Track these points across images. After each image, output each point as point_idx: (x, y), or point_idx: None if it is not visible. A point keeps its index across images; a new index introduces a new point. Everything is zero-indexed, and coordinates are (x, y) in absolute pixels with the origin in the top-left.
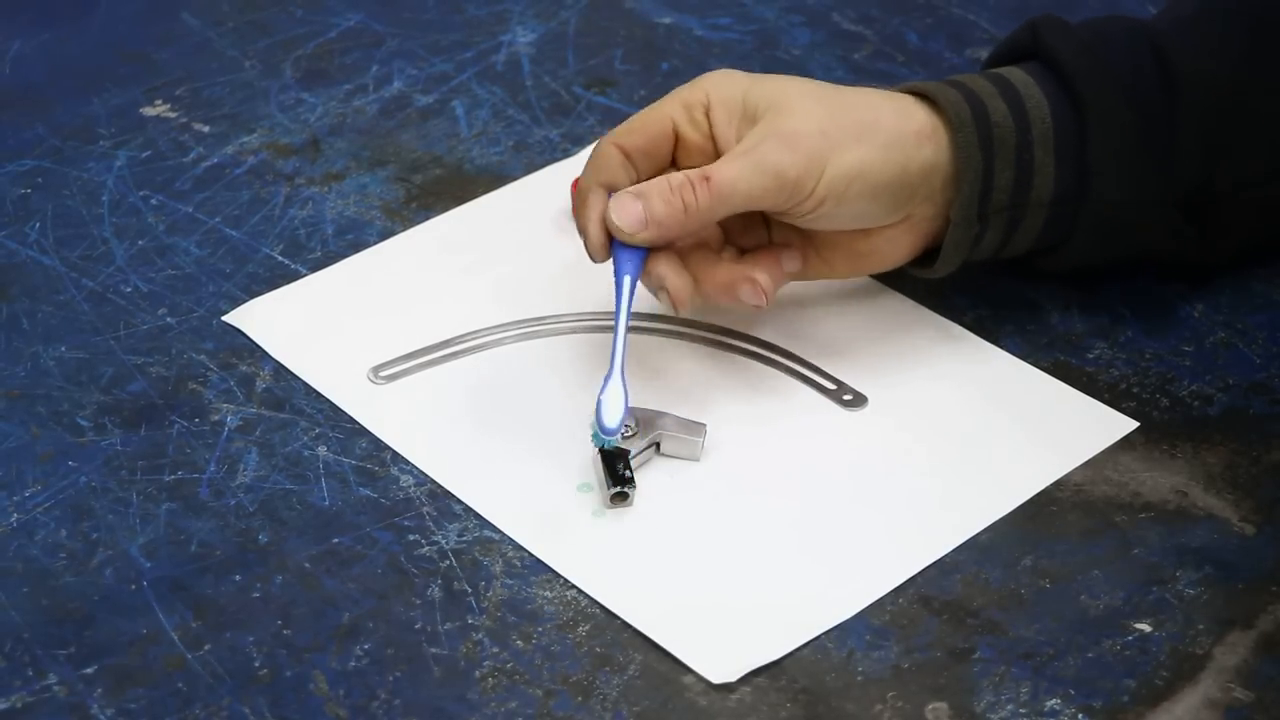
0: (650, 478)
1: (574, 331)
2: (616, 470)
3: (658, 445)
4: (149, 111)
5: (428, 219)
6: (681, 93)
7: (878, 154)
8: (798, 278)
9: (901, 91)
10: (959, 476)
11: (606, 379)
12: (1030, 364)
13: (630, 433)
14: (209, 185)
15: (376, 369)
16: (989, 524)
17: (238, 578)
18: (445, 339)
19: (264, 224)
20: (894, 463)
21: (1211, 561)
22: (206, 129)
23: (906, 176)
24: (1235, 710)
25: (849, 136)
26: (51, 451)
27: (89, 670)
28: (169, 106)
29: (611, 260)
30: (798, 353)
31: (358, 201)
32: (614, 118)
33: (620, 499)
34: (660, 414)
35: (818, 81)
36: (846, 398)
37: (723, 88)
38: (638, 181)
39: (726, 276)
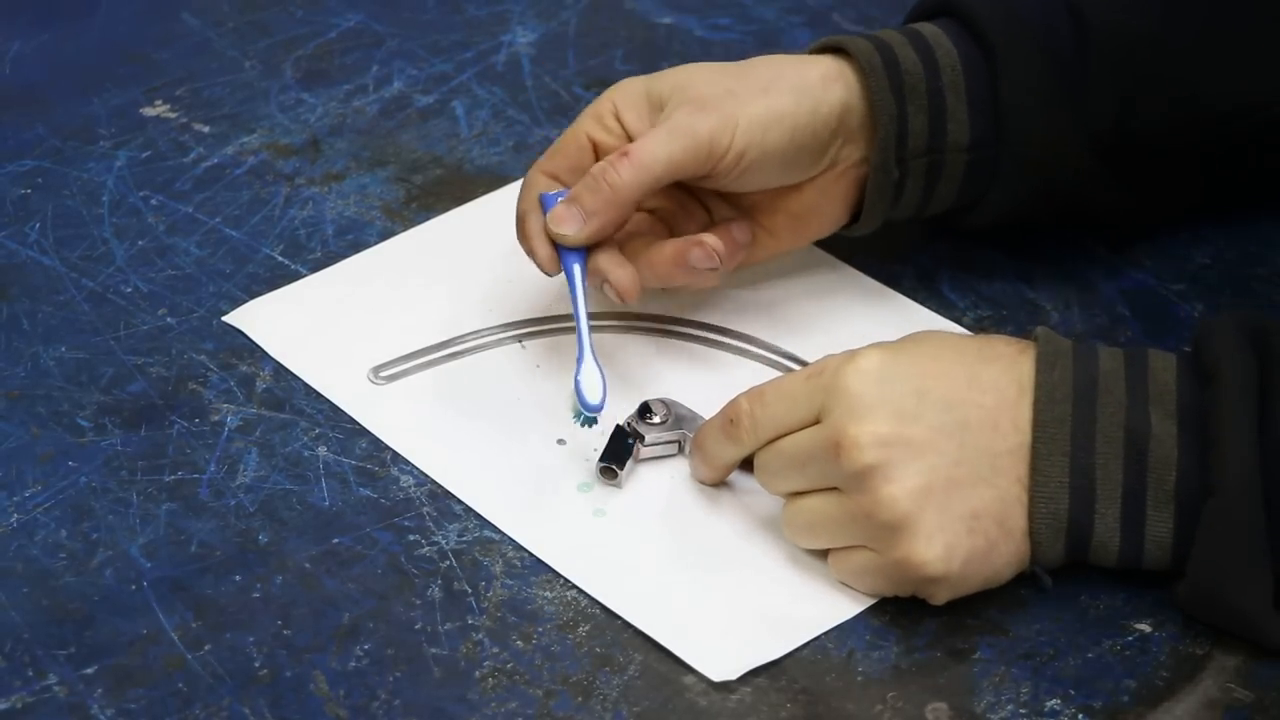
0: (651, 478)
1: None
2: (616, 446)
3: (681, 445)
4: (149, 111)
5: (428, 219)
6: (590, 109)
7: (787, 99)
8: (748, 259)
9: (810, 51)
10: None
11: (579, 362)
12: None
13: (659, 420)
14: (209, 185)
15: (376, 369)
16: None
17: (238, 578)
18: (445, 339)
19: (264, 224)
20: None
21: None
22: (206, 129)
23: (819, 118)
24: (1235, 710)
25: (755, 90)
26: (52, 452)
27: (89, 670)
28: (169, 107)
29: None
30: (799, 354)
31: (358, 202)
32: None
33: (608, 474)
34: (697, 417)
35: (718, 62)
36: None
37: (625, 91)
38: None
39: (672, 250)
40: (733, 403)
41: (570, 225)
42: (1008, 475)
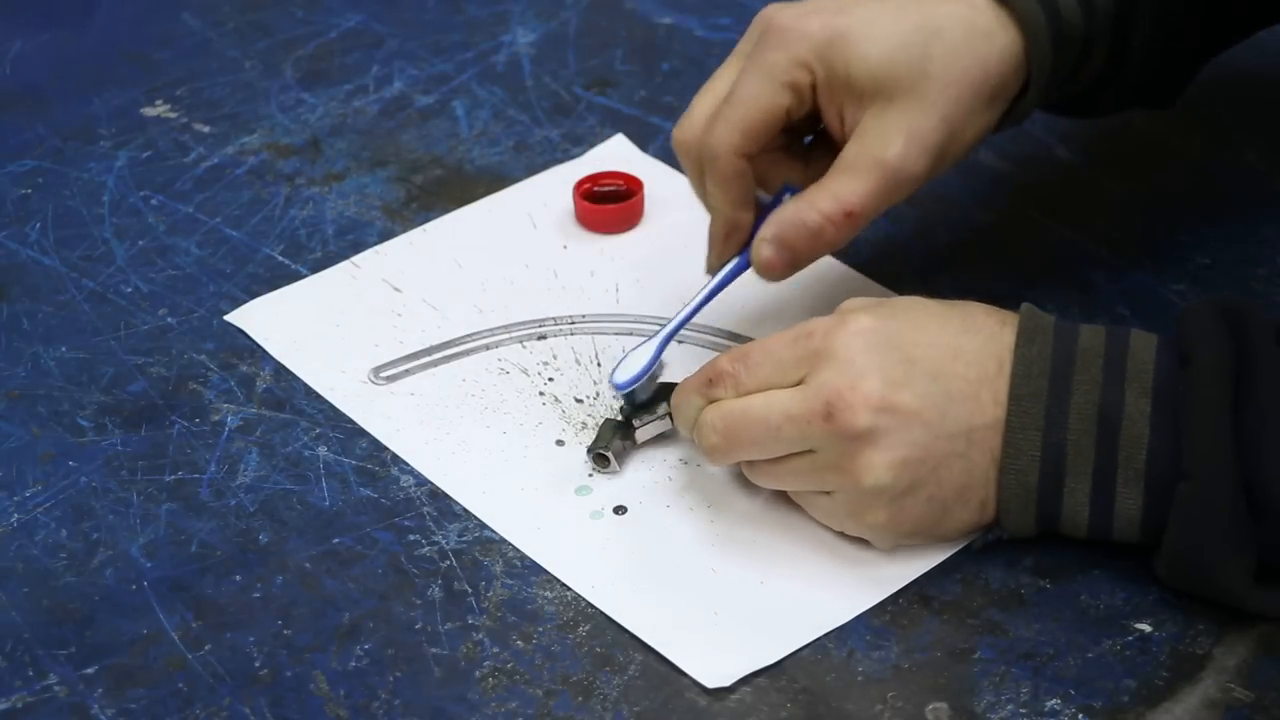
0: (649, 480)
1: (574, 333)
2: (607, 433)
3: (671, 416)
4: (149, 111)
5: (428, 219)
6: (777, 70)
7: (986, 112)
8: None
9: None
10: None
11: (642, 344)
12: None
13: (646, 398)
14: (209, 185)
15: (377, 370)
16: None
17: (238, 578)
18: (445, 340)
19: (264, 224)
20: None
21: None
22: (207, 129)
23: (1000, 100)
24: (1235, 710)
25: (965, 112)
26: (52, 451)
27: (89, 670)
28: (169, 107)
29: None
30: None
31: (358, 202)
32: (614, 118)
33: (600, 462)
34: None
35: (917, 43)
36: None
37: (820, 57)
38: (755, 186)
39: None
40: (712, 363)
41: (778, 271)
42: (981, 448)
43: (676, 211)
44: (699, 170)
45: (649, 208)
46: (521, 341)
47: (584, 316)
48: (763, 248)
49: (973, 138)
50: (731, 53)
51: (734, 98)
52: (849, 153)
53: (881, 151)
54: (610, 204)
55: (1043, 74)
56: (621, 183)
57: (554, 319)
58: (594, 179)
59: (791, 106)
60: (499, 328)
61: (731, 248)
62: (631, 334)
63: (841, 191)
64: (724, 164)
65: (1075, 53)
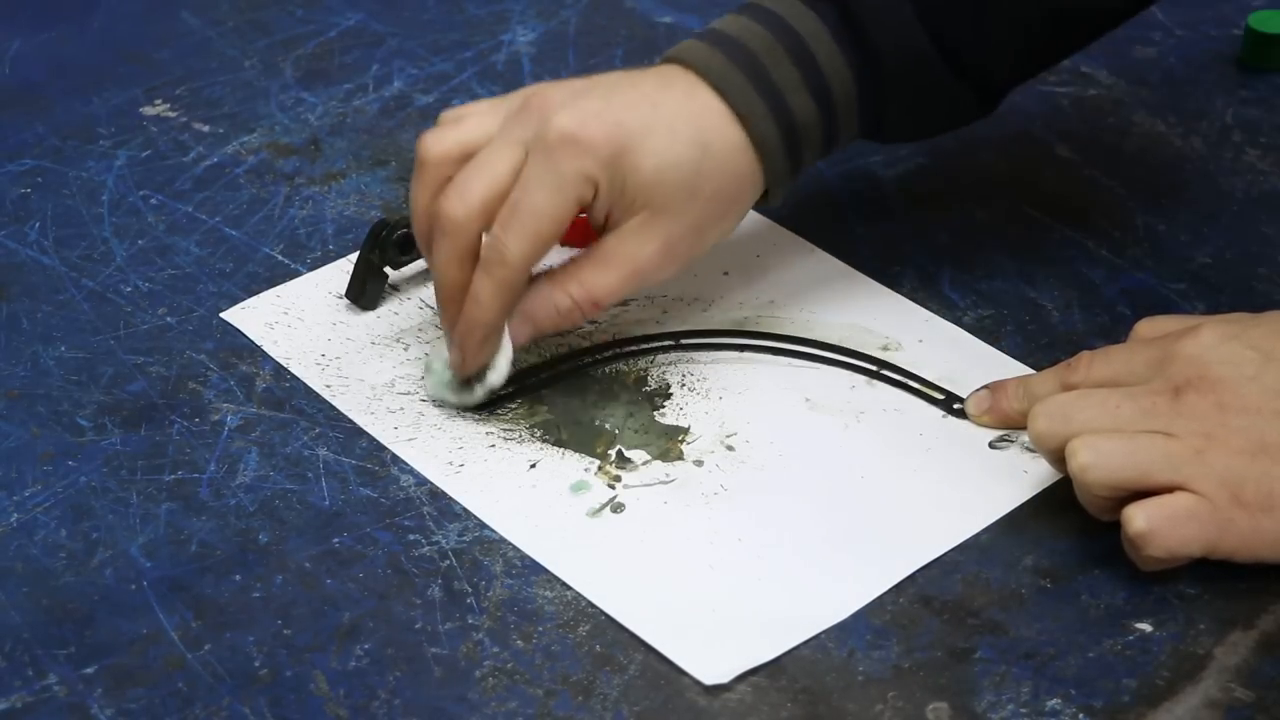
0: (646, 477)
1: (572, 332)
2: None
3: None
4: (149, 111)
5: None
6: (571, 184)
7: (735, 218)
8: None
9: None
10: (947, 483)
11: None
12: (1030, 365)
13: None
14: (209, 185)
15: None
16: (982, 528)
17: (238, 578)
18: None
19: (264, 224)
20: (887, 464)
21: (1212, 560)
22: (206, 129)
23: (745, 202)
24: (1236, 710)
25: (717, 221)
26: (51, 451)
27: (89, 670)
28: (169, 106)
29: None
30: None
31: (358, 201)
32: None
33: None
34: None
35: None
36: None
37: (613, 176)
38: None
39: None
40: (1076, 356)
41: (523, 344)
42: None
43: None
44: (462, 257)
45: None
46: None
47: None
48: (514, 324)
49: (717, 241)
50: (498, 129)
51: (526, 207)
52: (607, 247)
53: (637, 253)
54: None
55: (782, 182)
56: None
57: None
58: None
59: (575, 213)
60: None
61: (486, 351)
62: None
63: (593, 282)
64: (514, 274)
65: (818, 144)
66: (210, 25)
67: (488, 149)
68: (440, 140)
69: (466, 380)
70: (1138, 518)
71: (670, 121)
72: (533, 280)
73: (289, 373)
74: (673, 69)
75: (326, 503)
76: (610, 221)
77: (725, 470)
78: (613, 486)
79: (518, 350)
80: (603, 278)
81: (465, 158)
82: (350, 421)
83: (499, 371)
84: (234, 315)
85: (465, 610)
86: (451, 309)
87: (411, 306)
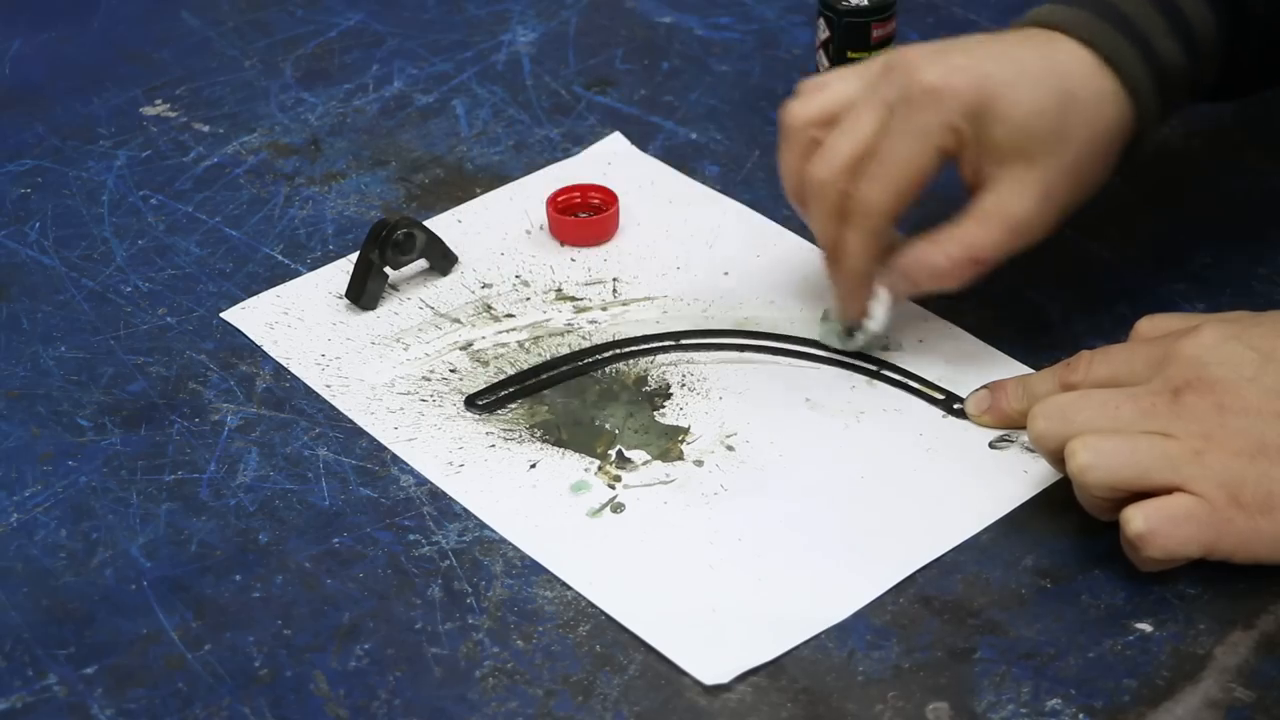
0: (646, 477)
1: (572, 332)
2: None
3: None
4: (149, 111)
5: (428, 219)
6: (934, 134)
7: (1109, 166)
8: None
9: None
10: (947, 483)
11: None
12: (1030, 365)
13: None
14: (209, 185)
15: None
16: (982, 528)
17: (238, 578)
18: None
19: (264, 224)
20: (887, 464)
21: (1212, 561)
22: (206, 129)
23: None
24: (1236, 710)
25: (1093, 169)
26: (51, 451)
27: (89, 670)
28: (169, 106)
29: None
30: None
31: (358, 201)
32: (614, 117)
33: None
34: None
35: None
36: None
37: (978, 126)
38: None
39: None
40: (1076, 356)
41: (902, 295)
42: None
43: (651, 226)
44: (834, 214)
45: (625, 219)
46: (520, 341)
47: (591, 321)
48: (892, 281)
49: (1094, 190)
50: (860, 91)
51: (887, 157)
52: (984, 203)
53: (1015, 207)
54: (584, 216)
55: (1152, 127)
56: (597, 196)
57: (553, 319)
58: (569, 190)
59: (938, 165)
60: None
61: (861, 301)
62: (641, 351)
63: (971, 239)
64: (875, 222)
65: (1184, 92)
66: (210, 25)
67: (853, 110)
68: (804, 106)
69: (849, 330)
70: (1136, 519)
71: (1035, 72)
72: (912, 241)
73: (289, 373)
74: (1031, 29)
75: (326, 503)
76: (980, 177)
77: (725, 470)
78: (613, 486)
79: (898, 303)
80: (983, 235)
81: (827, 121)
82: (350, 421)
83: (877, 320)
84: (234, 315)
85: (465, 610)
86: (831, 262)
87: (411, 306)
